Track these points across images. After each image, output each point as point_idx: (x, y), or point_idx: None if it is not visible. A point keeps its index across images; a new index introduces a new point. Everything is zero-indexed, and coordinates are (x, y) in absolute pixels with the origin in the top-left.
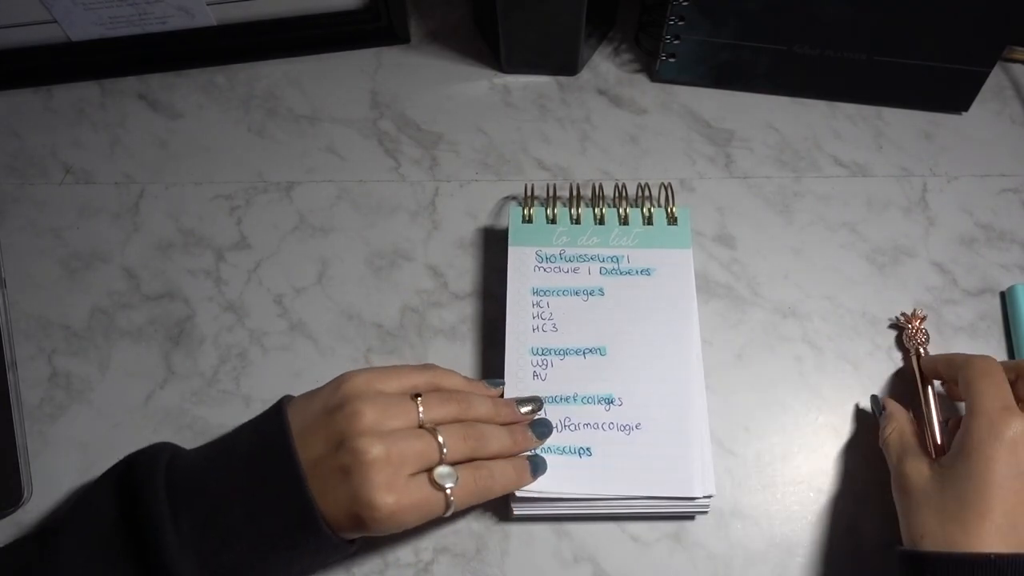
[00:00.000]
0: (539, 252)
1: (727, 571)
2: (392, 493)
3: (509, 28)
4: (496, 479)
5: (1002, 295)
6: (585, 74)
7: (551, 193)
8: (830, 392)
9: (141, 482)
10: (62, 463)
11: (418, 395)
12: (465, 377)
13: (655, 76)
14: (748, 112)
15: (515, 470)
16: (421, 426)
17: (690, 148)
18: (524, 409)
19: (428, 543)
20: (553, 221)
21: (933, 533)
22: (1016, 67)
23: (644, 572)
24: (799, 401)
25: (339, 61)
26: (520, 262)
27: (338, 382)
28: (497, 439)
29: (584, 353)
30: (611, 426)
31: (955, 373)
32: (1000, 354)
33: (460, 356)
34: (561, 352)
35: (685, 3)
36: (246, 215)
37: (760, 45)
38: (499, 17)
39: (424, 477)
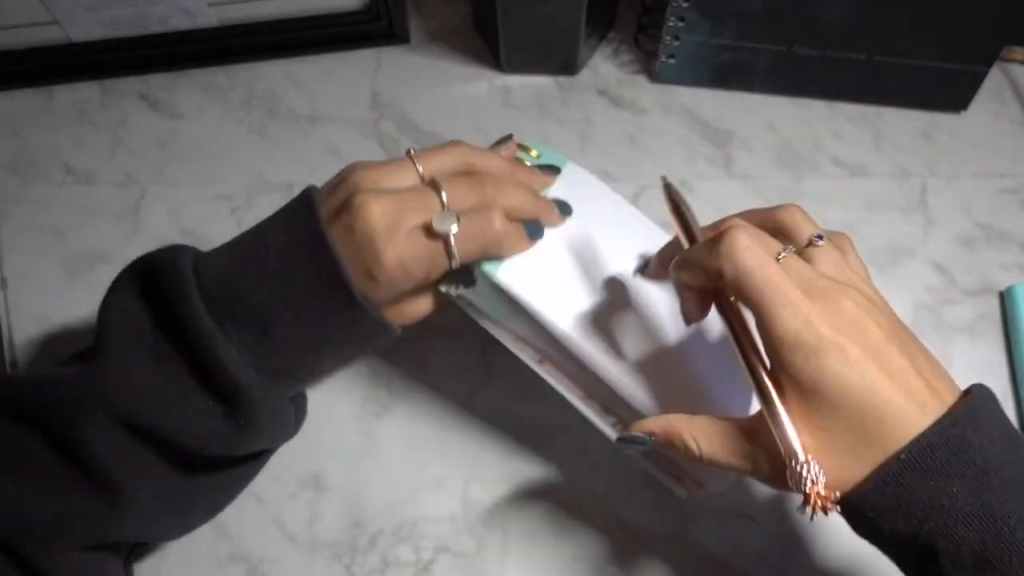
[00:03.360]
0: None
1: (727, 571)
2: (392, 246)
3: (509, 28)
4: (496, 227)
5: (1001, 295)
6: (585, 74)
7: None
8: None
9: (176, 297)
10: None
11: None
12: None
13: (655, 77)
14: (748, 112)
15: (515, 228)
16: (423, 182)
17: (690, 148)
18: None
19: (428, 543)
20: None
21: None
22: (1015, 67)
23: (644, 572)
24: None
25: (339, 61)
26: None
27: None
28: (514, 190)
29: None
30: None
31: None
32: (1000, 354)
33: (462, 355)
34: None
35: (685, 4)
36: (247, 215)
37: (760, 46)
38: (499, 17)
39: (423, 229)
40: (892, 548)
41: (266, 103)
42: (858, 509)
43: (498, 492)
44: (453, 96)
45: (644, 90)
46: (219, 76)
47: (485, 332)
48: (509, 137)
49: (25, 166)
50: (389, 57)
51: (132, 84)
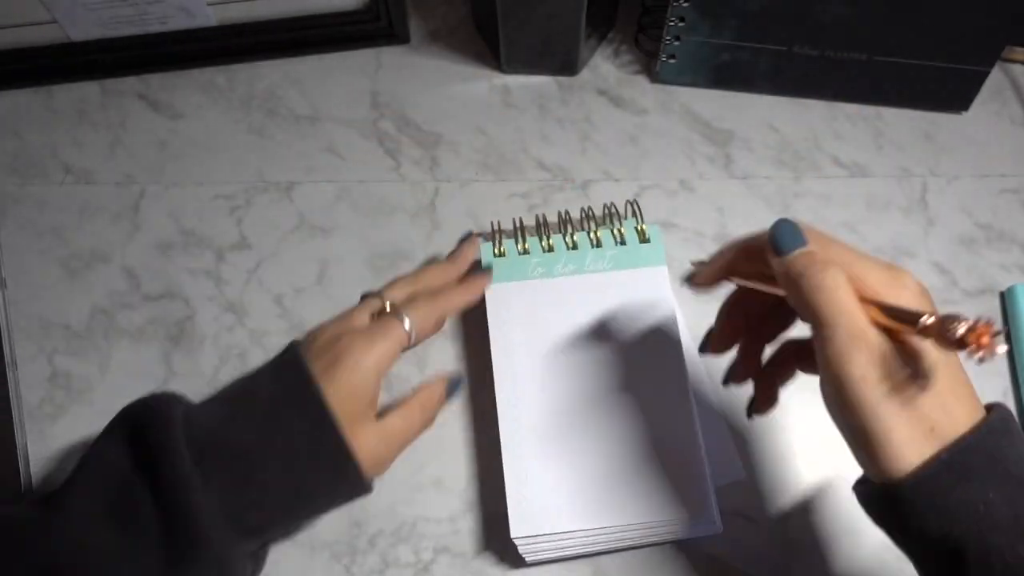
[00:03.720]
0: (518, 287)
1: (727, 571)
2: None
3: (509, 28)
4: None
5: (1002, 295)
6: (585, 74)
7: (518, 225)
8: None
9: (159, 442)
10: (62, 463)
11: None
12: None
13: (655, 77)
14: (748, 112)
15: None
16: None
17: (690, 148)
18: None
19: (428, 543)
20: (526, 252)
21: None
22: (1016, 67)
23: (644, 572)
24: (800, 402)
25: (339, 61)
26: (499, 299)
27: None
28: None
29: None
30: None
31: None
32: (1000, 354)
33: (462, 356)
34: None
35: (685, 4)
36: (246, 215)
37: (760, 46)
38: (499, 17)
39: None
40: (915, 546)
41: (266, 103)
42: (892, 503)
43: (498, 493)
44: (453, 96)
45: (644, 90)
46: (219, 76)
47: (485, 334)
48: (470, 234)
49: (25, 166)
50: (389, 57)
51: (132, 84)
